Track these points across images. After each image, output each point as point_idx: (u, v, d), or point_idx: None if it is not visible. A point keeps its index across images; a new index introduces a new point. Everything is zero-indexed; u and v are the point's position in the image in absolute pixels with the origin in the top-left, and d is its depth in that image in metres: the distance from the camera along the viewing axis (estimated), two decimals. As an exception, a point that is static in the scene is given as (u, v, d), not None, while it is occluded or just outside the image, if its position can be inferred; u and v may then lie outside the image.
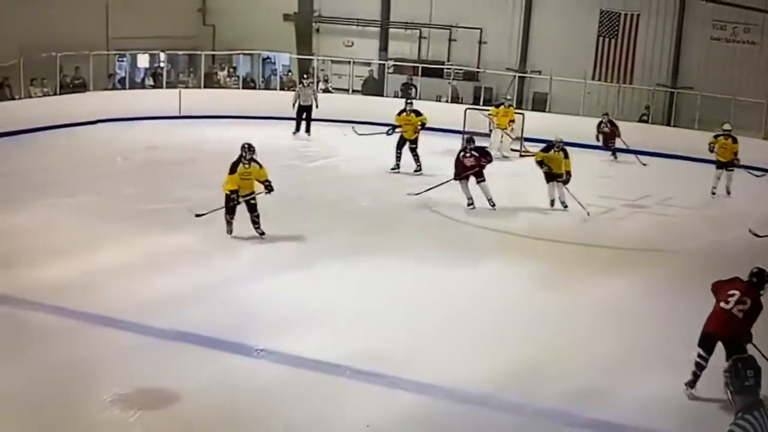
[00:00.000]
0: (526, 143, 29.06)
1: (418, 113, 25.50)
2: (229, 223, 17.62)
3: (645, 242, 19.82)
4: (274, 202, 16.91)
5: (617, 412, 11.37)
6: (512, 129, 28.96)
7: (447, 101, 33.88)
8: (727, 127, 25.09)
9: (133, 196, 20.96)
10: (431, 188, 21.51)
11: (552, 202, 21.70)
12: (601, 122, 29.76)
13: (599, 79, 33.94)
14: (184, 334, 12.96)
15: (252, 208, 17.61)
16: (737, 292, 11.58)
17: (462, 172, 21.23)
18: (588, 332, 13.92)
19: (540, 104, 33.45)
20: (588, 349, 13.25)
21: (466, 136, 22.88)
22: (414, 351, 12.77)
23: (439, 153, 24.86)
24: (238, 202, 17.47)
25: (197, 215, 17.51)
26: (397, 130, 25.56)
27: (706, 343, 11.65)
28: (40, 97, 29.17)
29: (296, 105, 30.43)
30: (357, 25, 37.89)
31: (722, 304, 11.62)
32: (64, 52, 29.27)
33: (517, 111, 29.67)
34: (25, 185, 21.31)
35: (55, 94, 29.73)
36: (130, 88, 33.14)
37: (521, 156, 28.29)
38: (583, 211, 21.01)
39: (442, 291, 15.40)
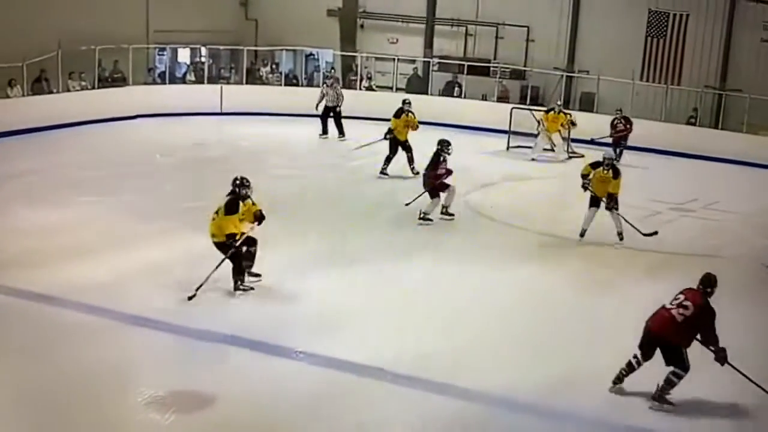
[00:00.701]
0: (572, 144, 28.75)
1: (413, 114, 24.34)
2: (241, 278, 14.61)
3: (691, 247, 19.42)
4: (314, 202, 16.47)
5: (662, 421, 11.23)
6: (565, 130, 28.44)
7: (493, 100, 33.65)
8: None
9: (172, 194, 20.96)
10: (418, 197, 19.91)
11: (583, 233, 19.04)
12: (614, 119, 28.70)
13: (647, 80, 33.59)
14: (221, 335, 12.81)
15: (234, 257, 14.46)
16: (682, 296, 11.45)
17: (435, 181, 19.53)
18: (632, 339, 13.52)
19: (587, 104, 33.26)
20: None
21: (441, 138, 20.08)
22: (457, 356, 12.62)
23: (489, 153, 24.31)
24: (236, 248, 14.35)
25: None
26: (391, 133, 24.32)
27: (645, 344, 11.56)
28: (78, 91, 29.08)
29: (320, 106, 29.07)
30: (402, 22, 37.70)
31: (666, 304, 11.50)
32: (102, 45, 29.15)
33: (566, 113, 28.94)
34: (62, 182, 21.25)
35: (93, 88, 29.61)
36: (170, 83, 32.94)
37: (569, 157, 27.99)
38: (642, 237, 19.10)
39: (484, 294, 15.28)
